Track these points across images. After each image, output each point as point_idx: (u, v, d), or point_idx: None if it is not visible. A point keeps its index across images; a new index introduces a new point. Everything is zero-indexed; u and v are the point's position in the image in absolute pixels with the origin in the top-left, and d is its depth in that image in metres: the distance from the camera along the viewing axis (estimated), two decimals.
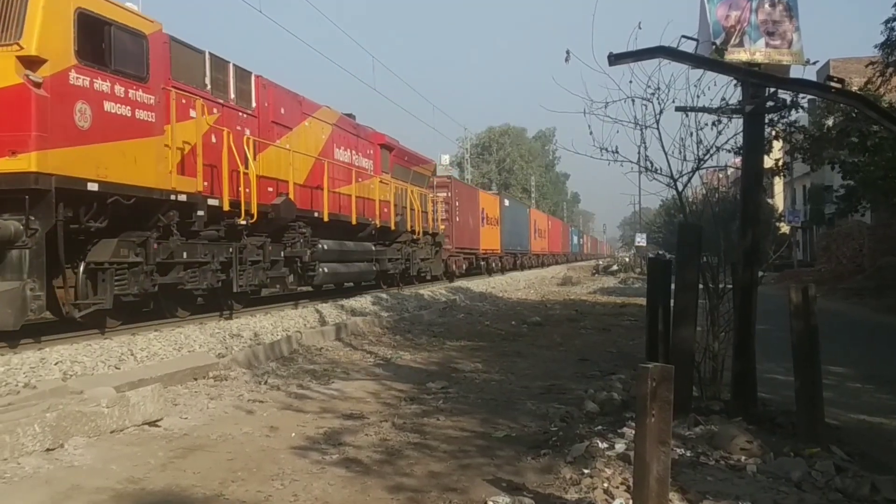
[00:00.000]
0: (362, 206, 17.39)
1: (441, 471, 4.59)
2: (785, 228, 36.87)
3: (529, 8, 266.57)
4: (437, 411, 6.29)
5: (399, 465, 4.72)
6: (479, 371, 8.46)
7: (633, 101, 6.15)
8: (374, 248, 18.01)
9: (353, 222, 16.55)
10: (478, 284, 24.96)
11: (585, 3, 7.72)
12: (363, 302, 15.33)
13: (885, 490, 3.97)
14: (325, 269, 15.10)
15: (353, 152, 17.51)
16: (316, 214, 14.86)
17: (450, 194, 28.60)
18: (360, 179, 17.41)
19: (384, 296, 16.83)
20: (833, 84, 5.84)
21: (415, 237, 21.58)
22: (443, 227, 25.96)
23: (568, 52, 6.01)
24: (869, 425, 6.28)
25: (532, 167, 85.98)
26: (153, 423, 5.64)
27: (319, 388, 7.39)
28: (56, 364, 7.22)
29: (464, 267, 29.85)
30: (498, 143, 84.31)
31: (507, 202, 40.53)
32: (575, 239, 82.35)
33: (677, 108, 6.23)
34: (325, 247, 15.04)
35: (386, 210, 19.22)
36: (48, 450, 4.79)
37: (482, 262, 34.46)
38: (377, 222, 18.25)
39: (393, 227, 19.52)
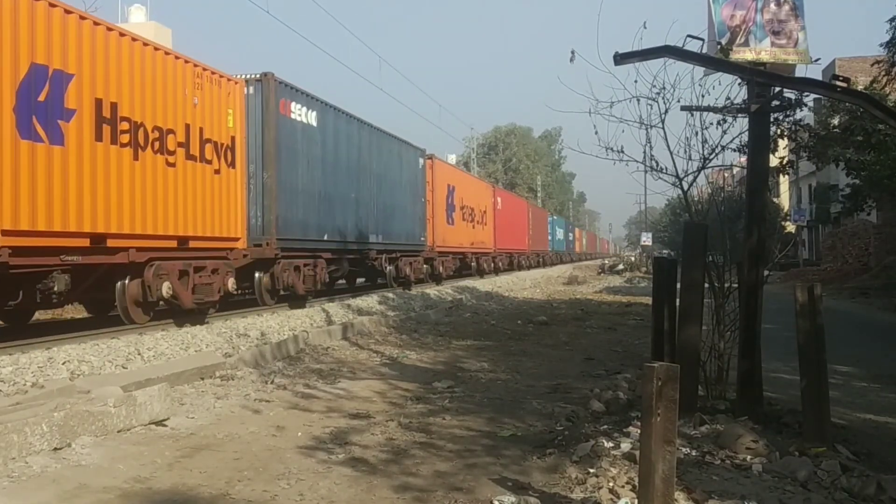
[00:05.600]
0: None
1: (447, 470, 4.60)
2: (790, 227, 36.76)
3: (535, 7, 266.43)
4: (444, 411, 6.31)
5: (405, 464, 4.73)
6: (485, 370, 8.47)
7: (638, 100, 6.17)
8: None
9: None
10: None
11: (591, 3, 7.73)
12: (369, 301, 15.39)
13: (891, 490, 3.96)
14: None
15: None
16: None
17: None
18: None
19: (390, 295, 16.85)
20: (839, 83, 5.82)
21: None
22: None
23: (573, 52, 6.03)
24: (875, 424, 6.27)
25: (538, 167, 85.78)
26: (160, 423, 5.67)
27: (326, 387, 7.41)
28: (64, 363, 7.26)
29: None
30: (504, 143, 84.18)
31: (314, 119, 15.41)
32: (559, 233, 60.11)
33: (683, 108, 6.23)
34: None
35: None
36: (56, 449, 4.82)
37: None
38: None
39: None
